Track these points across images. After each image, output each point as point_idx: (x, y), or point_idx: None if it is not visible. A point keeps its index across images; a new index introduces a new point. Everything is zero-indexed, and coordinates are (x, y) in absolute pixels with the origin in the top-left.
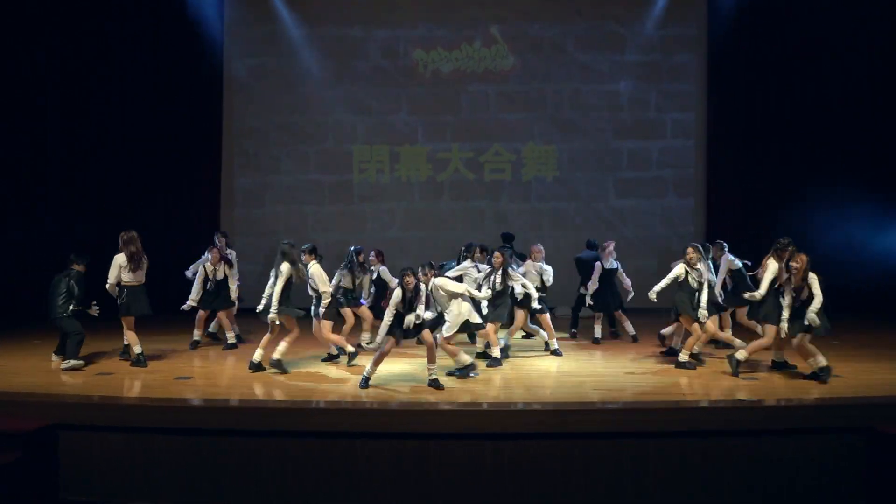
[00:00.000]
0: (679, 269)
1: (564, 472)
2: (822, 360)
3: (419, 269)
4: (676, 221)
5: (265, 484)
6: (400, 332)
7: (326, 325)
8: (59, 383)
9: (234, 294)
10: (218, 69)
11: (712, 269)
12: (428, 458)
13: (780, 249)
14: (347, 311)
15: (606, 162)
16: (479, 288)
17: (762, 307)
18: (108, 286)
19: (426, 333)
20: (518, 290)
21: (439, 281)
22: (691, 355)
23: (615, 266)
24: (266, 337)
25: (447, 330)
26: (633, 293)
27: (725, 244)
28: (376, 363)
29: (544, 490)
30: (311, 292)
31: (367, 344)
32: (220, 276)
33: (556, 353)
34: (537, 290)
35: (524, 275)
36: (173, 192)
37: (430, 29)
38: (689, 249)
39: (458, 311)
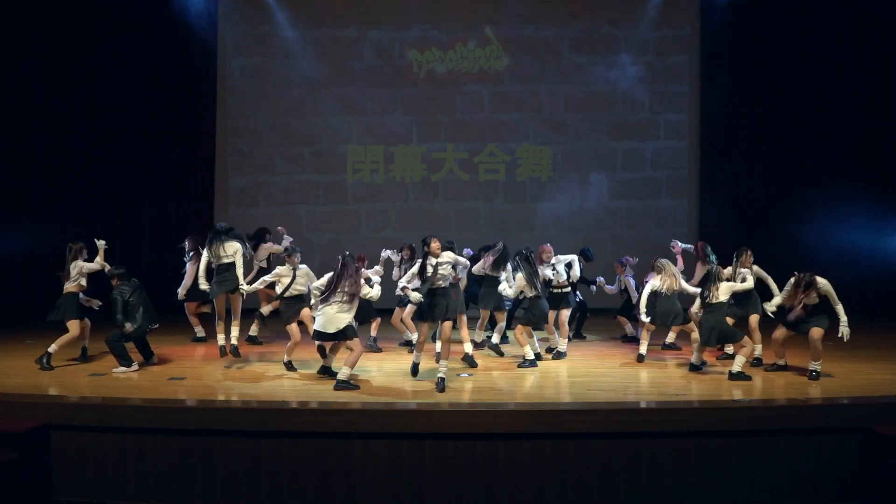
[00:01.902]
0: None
1: (559, 473)
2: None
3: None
4: (670, 222)
5: (259, 484)
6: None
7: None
8: (52, 384)
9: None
10: (211, 69)
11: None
12: (423, 458)
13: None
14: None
15: (601, 163)
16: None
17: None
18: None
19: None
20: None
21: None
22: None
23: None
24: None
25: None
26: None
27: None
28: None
29: (538, 490)
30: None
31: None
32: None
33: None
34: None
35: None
36: (167, 192)
37: (424, 29)
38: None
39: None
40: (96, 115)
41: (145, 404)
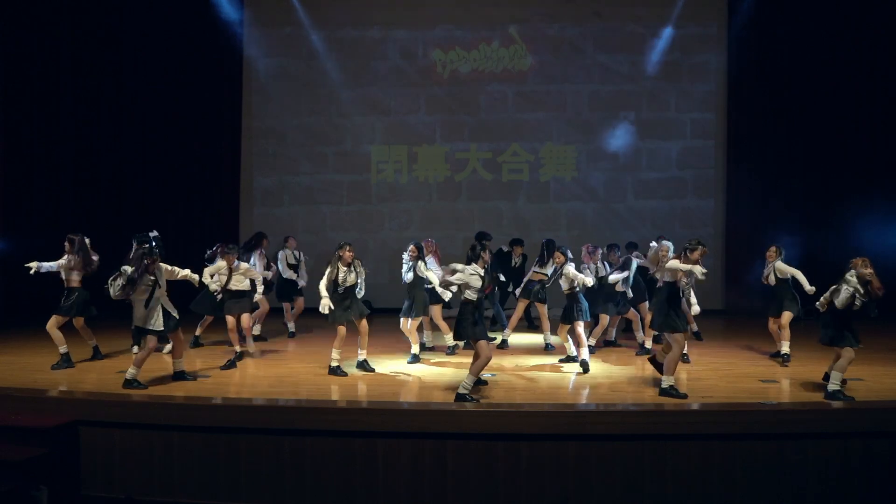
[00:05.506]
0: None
1: (581, 474)
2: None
3: None
4: (696, 222)
5: (283, 481)
6: None
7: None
8: (82, 380)
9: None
10: (237, 70)
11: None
12: (445, 458)
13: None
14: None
15: (625, 162)
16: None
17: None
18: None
19: None
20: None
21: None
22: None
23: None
24: None
25: None
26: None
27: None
28: None
29: (561, 491)
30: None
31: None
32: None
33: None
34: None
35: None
36: (193, 192)
37: (448, 29)
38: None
39: None
40: (122, 117)
41: (172, 402)
